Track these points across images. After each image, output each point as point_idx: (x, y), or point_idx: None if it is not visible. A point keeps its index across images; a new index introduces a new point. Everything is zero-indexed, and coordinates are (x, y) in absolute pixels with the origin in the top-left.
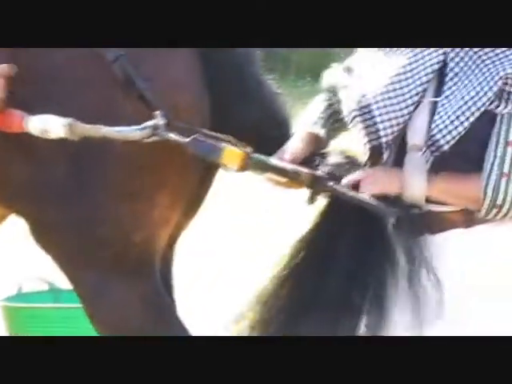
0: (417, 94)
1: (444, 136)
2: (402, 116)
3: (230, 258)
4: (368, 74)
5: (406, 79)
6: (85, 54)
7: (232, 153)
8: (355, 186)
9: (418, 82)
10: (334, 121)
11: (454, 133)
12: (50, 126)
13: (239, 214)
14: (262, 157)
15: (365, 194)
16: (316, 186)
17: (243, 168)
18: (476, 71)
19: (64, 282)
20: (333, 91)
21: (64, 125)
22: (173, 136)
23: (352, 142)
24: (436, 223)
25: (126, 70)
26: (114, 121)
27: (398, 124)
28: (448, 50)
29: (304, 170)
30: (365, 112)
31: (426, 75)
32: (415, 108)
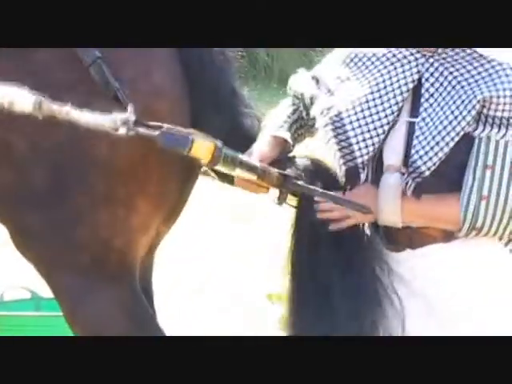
0: (392, 114)
1: (425, 162)
2: (378, 136)
3: (216, 265)
4: (338, 88)
5: (380, 97)
6: (63, 57)
7: (202, 145)
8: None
9: (393, 102)
10: (299, 126)
11: (435, 159)
12: (17, 98)
13: (227, 219)
14: (232, 151)
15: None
16: (285, 185)
17: (213, 161)
18: (452, 93)
19: (46, 291)
20: (300, 98)
21: (32, 100)
22: (142, 130)
23: (318, 150)
24: (416, 238)
25: (102, 73)
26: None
27: (373, 144)
28: (422, 69)
29: (273, 169)
30: (340, 133)
31: (400, 94)
32: (391, 127)
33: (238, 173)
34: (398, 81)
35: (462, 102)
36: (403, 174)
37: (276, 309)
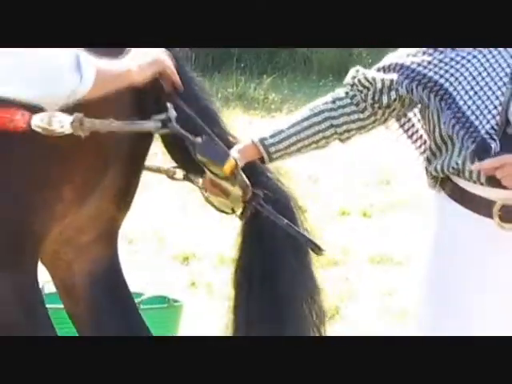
0: (504, 84)
1: None
2: (494, 107)
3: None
4: (437, 70)
5: (494, 70)
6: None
7: (231, 162)
8: (491, 177)
9: (503, 74)
10: (348, 122)
11: None
12: (56, 121)
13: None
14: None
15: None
16: (252, 203)
17: (230, 176)
18: None
19: None
20: (371, 83)
21: (72, 120)
22: (183, 132)
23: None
24: None
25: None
26: None
27: (491, 114)
28: None
29: (250, 188)
30: (455, 112)
31: (508, 66)
32: (510, 96)
33: (235, 187)
34: (503, 58)
35: None
36: None
37: None
